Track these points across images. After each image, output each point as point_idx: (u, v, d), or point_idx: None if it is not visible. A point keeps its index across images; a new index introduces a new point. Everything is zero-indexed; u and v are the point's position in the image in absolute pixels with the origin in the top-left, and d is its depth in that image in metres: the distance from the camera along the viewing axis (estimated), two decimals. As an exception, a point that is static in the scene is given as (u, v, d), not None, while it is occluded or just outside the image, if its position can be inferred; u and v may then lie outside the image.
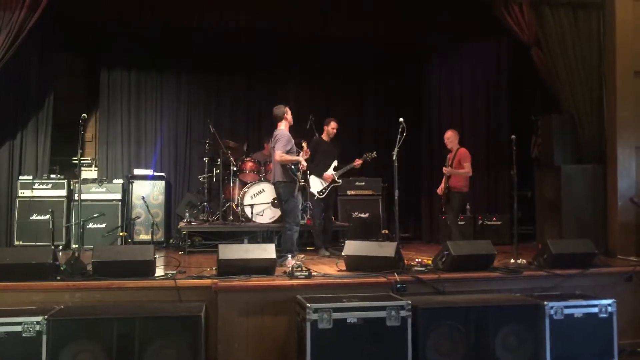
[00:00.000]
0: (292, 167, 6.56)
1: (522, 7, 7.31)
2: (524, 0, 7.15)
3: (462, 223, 8.38)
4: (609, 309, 5.01)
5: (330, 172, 7.55)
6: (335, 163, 7.62)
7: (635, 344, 5.58)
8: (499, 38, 8.87)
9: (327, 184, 7.54)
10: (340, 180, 7.68)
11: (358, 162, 7.72)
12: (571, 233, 6.81)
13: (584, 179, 7.08)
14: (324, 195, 7.53)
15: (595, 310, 4.99)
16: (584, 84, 7.21)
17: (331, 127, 7.66)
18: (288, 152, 6.55)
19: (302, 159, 6.64)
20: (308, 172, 7.54)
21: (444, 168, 7.58)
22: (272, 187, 8.29)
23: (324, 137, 7.74)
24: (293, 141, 6.69)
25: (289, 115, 6.75)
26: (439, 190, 7.67)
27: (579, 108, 7.21)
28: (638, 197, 6.88)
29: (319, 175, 7.56)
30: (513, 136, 6.42)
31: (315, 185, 7.57)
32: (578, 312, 4.96)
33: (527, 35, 7.41)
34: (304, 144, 7.18)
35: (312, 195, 7.59)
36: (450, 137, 7.68)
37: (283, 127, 6.71)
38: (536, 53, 7.43)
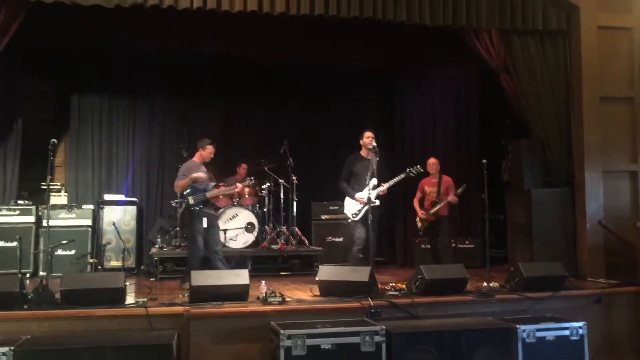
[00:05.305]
0: (185, 192, 6.66)
1: (491, 34, 7.49)
2: (493, 28, 7.31)
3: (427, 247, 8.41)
4: (580, 331, 5.07)
5: (363, 193, 6.74)
6: (374, 181, 6.72)
7: (606, 366, 5.64)
8: (469, 64, 9.05)
9: (362, 205, 6.80)
10: (377, 201, 6.68)
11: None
12: (542, 256, 6.90)
13: (553, 202, 7.20)
14: (357, 218, 6.82)
15: (567, 332, 5.04)
16: (551, 110, 7.37)
17: (365, 136, 6.91)
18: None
19: (200, 175, 6.67)
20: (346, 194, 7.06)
21: (451, 197, 7.43)
22: (246, 211, 8.33)
23: (362, 153, 7.00)
24: (199, 173, 6.70)
25: (205, 152, 6.87)
26: (425, 216, 7.59)
27: (548, 133, 7.36)
28: (606, 220, 7.01)
29: (353, 197, 6.94)
30: (484, 160, 6.50)
31: (350, 207, 6.95)
32: (550, 335, 5.00)
33: (496, 61, 7.59)
34: (238, 185, 7.28)
35: (347, 217, 7.04)
36: (436, 164, 7.74)
37: (195, 159, 6.89)
38: (505, 79, 7.60)
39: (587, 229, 6.99)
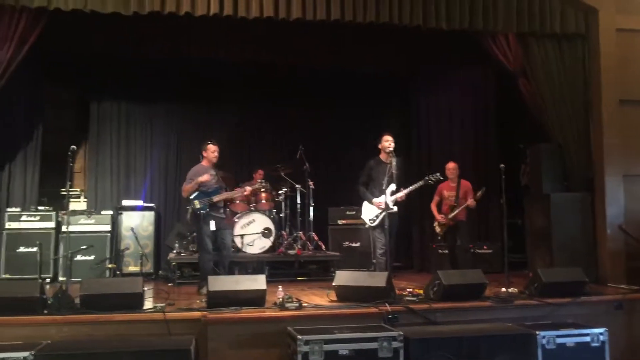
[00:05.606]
0: (191, 197, 6.64)
1: (508, 38, 7.43)
2: (510, 32, 7.26)
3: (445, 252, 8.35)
4: (601, 337, 4.99)
5: (381, 198, 6.61)
6: (392, 187, 6.65)
7: (628, 373, 5.56)
8: (486, 67, 9.00)
9: (379, 211, 6.67)
10: (395, 207, 6.63)
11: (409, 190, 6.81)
12: (561, 261, 6.80)
13: (573, 207, 7.10)
14: (374, 224, 6.72)
15: (587, 339, 4.97)
16: (570, 113, 7.28)
17: (384, 139, 6.79)
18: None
19: (204, 177, 6.61)
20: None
21: (470, 201, 7.47)
22: (263, 217, 8.35)
23: (382, 157, 6.86)
24: (204, 176, 6.64)
25: (208, 152, 6.83)
26: (444, 220, 7.58)
27: (566, 136, 7.28)
28: (627, 224, 6.91)
29: (371, 201, 6.82)
30: (502, 165, 6.44)
31: (367, 212, 6.84)
32: (570, 342, 4.93)
33: (513, 65, 7.52)
34: (246, 189, 7.21)
35: (364, 223, 7.00)
36: (455, 168, 7.72)
37: (203, 162, 6.86)
38: (523, 83, 7.52)
39: (607, 234, 6.90)
